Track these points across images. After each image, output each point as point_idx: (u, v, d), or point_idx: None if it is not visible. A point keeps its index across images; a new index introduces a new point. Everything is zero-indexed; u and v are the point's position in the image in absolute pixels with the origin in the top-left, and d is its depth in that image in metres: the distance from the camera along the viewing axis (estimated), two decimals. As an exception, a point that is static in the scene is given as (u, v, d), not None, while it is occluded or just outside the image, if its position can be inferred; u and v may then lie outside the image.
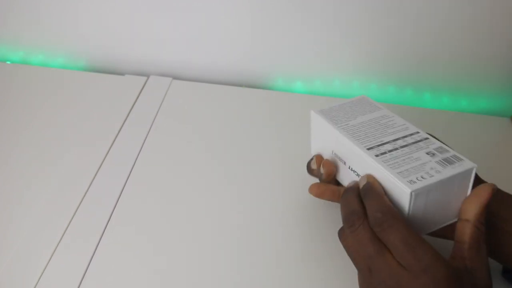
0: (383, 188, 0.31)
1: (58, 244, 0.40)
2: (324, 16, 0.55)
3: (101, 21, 0.60)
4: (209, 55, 0.62)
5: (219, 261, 0.39)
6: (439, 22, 0.54)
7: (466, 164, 0.30)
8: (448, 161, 0.30)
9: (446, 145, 0.33)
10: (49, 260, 0.38)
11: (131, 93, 0.59)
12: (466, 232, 0.29)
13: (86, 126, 0.53)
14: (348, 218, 0.30)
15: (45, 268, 0.38)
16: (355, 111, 0.37)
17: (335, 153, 0.36)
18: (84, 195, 0.44)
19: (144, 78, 0.62)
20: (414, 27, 0.55)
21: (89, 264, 0.38)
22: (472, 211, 0.30)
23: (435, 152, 0.31)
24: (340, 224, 0.32)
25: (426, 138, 0.33)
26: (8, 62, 0.67)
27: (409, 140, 0.33)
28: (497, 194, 0.34)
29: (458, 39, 0.55)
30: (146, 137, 0.52)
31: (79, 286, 0.37)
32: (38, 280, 0.37)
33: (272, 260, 0.40)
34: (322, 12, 0.55)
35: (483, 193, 0.30)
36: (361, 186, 0.32)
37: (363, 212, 0.30)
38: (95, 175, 0.47)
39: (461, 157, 0.31)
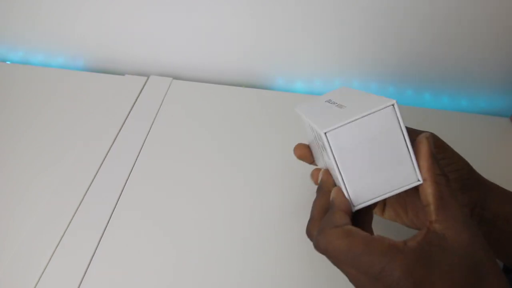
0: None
1: (58, 244, 0.40)
2: (324, 16, 0.55)
3: (101, 21, 0.60)
4: (209, 55, 0.62)
5: (220, 257, 0.39)
6: (439, 22, 0.54)
7: (384, 102, 0.27)
8: (366, 106, 0.28)
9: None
10: (49, 260, 0.38)
11: (131, 93, 0.59)
12: (427, 192, 0.26)
13: (86, 126, 0.53)
14: (307, 229, 0.29)
15: (45, 268, 0.38)
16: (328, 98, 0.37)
17: (315, 142, 0.35)
18: (84, 195, 0.44)
19: (144, 78, 0.62)
20: (414, 27, 0.55)
21: (89, 264, 0.38)
22: (423, 168, 0.27)
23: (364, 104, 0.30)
24: None
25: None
26: (8, 62, 0.67)
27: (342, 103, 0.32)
28: (497, 192, 0.34)
29: (458, 39, 0.55)
30: (146, 137, 0.52)
31: (79, 286, 0.37)
32: (38, 280, 0.37)
33: (271, 256, 0.40)
34: (322, 12, 0.55)
35: (423, 144, 0.27)
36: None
37: (316, 218, 0.29)
38: (95, 175, 0.47)
39: (382, 99, 0.28)
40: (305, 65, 0.62)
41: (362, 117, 0.27)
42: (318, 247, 0.27)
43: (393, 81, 0.62)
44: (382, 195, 0.28)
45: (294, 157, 0.38)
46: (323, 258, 0.40)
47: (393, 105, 0.27)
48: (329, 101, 0.35)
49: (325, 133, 0.27)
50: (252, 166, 0.49)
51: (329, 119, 0.29)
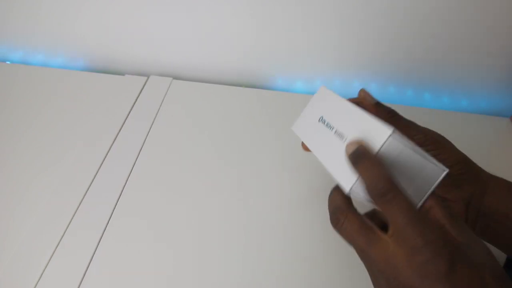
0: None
1: (58, 244, 0.40)
2: (324, 16, 0.55)
3: (101, 21, 0.60)
4: (209, 55, 0.62)
5: (220, 257, 0.39)
6: (439, 22, 0.54)
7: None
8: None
9: None
10: (49, 260, 0.38)
11: (131, 93, 0.59)
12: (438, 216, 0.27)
13: (86, 126, 0.53)
14: (332, 217, 0.29)
15: (45, 268, 0.38)
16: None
17: (319, 125, 0.35)
18: (84, 195, 0.44)
19: (144, 78, 0.62)
20: (414, 27, 0.55)
21: (89, 264, 0.38)
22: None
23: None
24: None
25: None
26: (8, 62, 0.67)
27: None
28: (496, 186, 0.34)
29: (458, 39, 0.55)
30: (146, 137, 0.52)
31: (79, 286, 0.37)
32: (38, 280, 0.37)
33: (271, 257, 0.40)
34: (322, 12, 0.55)
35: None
36: (348, 152, 0.30)
37: (346, 206, 0.29)
38: (96, 175, 0.47)
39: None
40: (305, 65, 0.62)
41: (423, 159, 0.28)
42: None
43: (393, 81, 0.62)
44: (423, 197, 0.30)
45: (294, 157, 0.38)
46: (324, 257, 0.40)
47: (391, 135, 0.27)
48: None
49: (391, 133, 0.28)
50: (252, 166, 0.49)
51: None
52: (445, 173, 0.28)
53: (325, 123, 0.34)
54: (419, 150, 0.29)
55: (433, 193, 0.28)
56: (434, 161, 0.29)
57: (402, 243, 0.25)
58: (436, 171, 0.29)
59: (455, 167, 0.33)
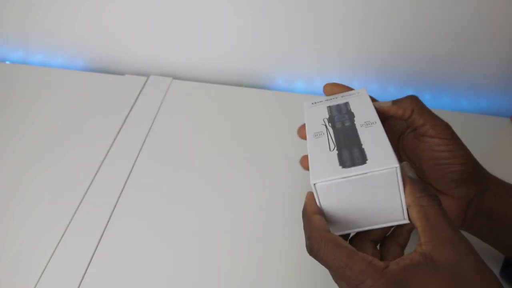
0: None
1: (58, 244, 0.40)
2: (324, 16, 0.55)
3: (101, 21, 0.60)
4: (209, 55, 0.62)
5: (221, 258, 0.39)
6: (439, 22, 0.54)
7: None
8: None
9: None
10: (49, 260, 0.38)
11: (131, 93, 0.59)
12: (413, 217, 0.26)
13: (86, 126, 0.53)
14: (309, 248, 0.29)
15: (45, 268, 0.38)
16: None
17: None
18: (84, 195, 0.44)
19: (144, 78, 0.62)
20: (414, 27, 0.55)
21: (89, 264, 0.38)
22: (406, 196, 0.27)
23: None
24: None
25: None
26: (8, 62, 0.67)
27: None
28: (496, 186, 0.34)
29: (458, 39, 0.55)
30: (146, 137, 0.52)
31: (79, 286, 0.37)
32: (38, 280, 0.37)
33: (271, 258, 0.40)
34: (322, 12, 0.55)
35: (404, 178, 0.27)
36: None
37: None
38: (95, 175, 0.47)
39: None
40: (305, 65, 0.62)
41: (362, 174, 0.27)
42: (311, 252, 0.27)
43: (393, 81, 0.62)
44: (365, 227, 0.29)
45: (294, 157, 0.38)
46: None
47: (396, 167, 0.26)
48: (328, 119, 0.34)
49: (314, 184, 0.27)
50: (252, 166, 0.49)
51: (324, 167, 0.28)
52: (398, 168, 0.27)
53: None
54: (355, 169, 0.27)
55: (413, 188, 0.27)
56: (377, 160, 0.27)
57: None
58: (389, 173, 0.27)
59: (467, 165, 0.33)
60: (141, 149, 0.50)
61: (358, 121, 0.32)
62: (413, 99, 0.33)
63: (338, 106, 0.35)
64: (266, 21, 0.57)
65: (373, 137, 0.30)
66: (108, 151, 0.50)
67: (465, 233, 0.33)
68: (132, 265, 0.39)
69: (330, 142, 0.31)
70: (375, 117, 0.32)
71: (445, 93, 0.62)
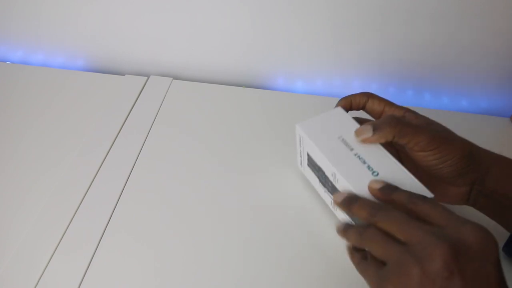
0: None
1: (58, 245, 0.40)
2: (324, 16, 0.55)
3: (101, 21, 0.60)
4: (209, 55, 0.62)
5: (219, 265, 0.39)
6: (439, 22, 0.54)
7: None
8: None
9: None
10: (49, 261, 0.38)
11: (131, 93, 0.59)
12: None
13: (86, 126, 0.53)
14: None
15: (45, 268, 0.38)
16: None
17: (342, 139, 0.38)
18: (84, 196, 0.44)
19: (144, 78, 0.62)
20: (414, 27, 0.55)
21: (88, 266, 0.38)
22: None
23: None
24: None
25: None
26: (8, 62, 0.67)
27: None
28: (496, 168, 0.36)
29: (458, 39, 0.55)
30: (146, 137, 0.52)
31: (79, 286, 0.37)
32: (38, 280, 0.37)
33: (272, 260, 0.40)
34: (322, 12, 0.55)
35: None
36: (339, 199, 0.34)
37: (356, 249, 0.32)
38: (95, 175, 0.47)
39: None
40: (305, 65, 0.62)
41: None
42: None
43: (394, 81, 0.62)
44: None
45: (294, 158, 0.38)
46: (327, 258, 0.40)
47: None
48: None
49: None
50: (252, 166, 0.49)
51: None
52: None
53: (350, 148, 0.37)
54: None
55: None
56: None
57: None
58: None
59: (459, 163, 0.35)
60: (141, 149, 0.50)
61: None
62: (391, 124, 0.35)
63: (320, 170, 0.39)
64: (266, 21, 0.57)
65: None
66: (108, 151, 0.50)
67: (471, 209, 0.37)
68: (132, 265, 0.39)
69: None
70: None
71: (445, 93, 0.62)
